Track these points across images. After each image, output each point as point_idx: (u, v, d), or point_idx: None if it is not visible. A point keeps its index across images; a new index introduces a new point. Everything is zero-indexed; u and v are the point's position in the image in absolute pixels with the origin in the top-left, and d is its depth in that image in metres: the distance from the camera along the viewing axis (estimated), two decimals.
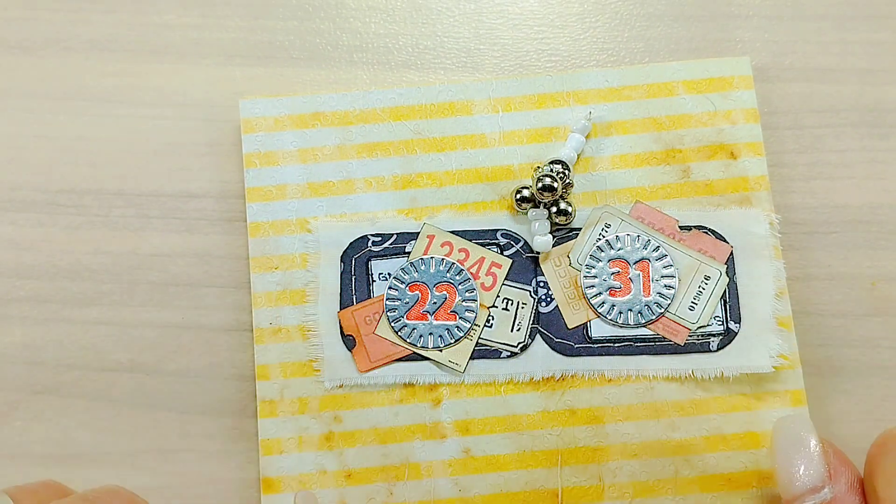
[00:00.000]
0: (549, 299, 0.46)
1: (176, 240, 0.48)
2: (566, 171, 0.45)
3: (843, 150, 0.48)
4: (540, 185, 0.44)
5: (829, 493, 0.38)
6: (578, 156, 0.46)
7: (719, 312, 0.45)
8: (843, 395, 0.46)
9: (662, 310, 0.45)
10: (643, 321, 0.45)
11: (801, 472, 0.39)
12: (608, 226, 0.46)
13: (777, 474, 0.40)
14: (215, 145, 0.49)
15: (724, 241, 0.46)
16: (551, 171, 0.45)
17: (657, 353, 0.45)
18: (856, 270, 0.47)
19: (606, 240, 0.46)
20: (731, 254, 0.46)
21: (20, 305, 0.48)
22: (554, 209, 0.45)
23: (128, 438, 0.46)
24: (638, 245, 0.45)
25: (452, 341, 0.45)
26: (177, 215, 0.48)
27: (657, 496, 0.44)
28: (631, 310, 0.45)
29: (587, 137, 0.47)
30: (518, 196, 0.45)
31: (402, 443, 0.45)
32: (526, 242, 0.46)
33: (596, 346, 0.45)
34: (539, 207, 0.45)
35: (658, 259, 0.45)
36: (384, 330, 0.45)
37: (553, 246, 0.46)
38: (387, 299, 0.46)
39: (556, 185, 0.44)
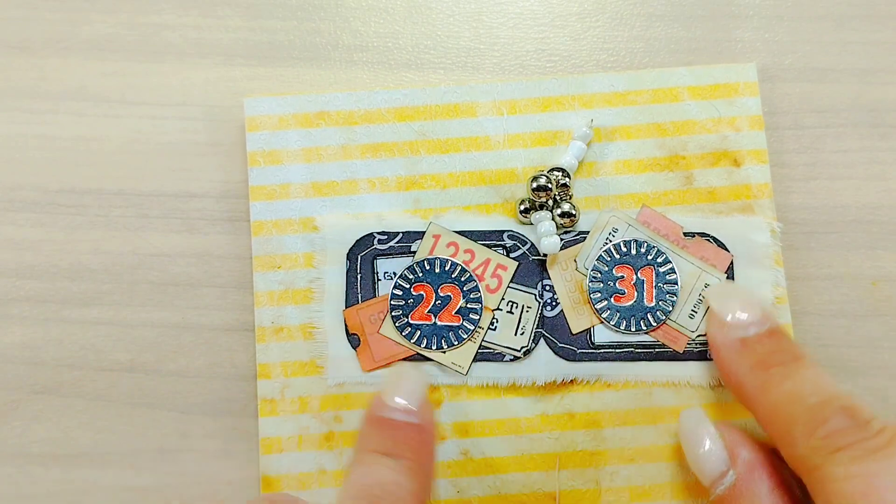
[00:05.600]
0: (554, 303, 0.46)
1: (176, 240, 0.48)
2: (566, 179, 0.45)
3: (843, 150, 0.48)
4: (535, 184, 0.45)
5: (733, 475, 0.40)
6: (581, 161, 0.46)
7: None
8: None
9: (664, 317, 0.45)
10: (645, 328, 0.45)
11: (705, 465, 0.41)
12: (615, 230, 0.46)
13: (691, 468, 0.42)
14: (215, 145, 0.49)
15: (725, 249, 0.46)
16: (545, 173, 0.45)
17: (656, 360, 0.45)
18: (856, 270, 0.47)
19: (613, 245, 0.46)
20: (732, 263, 0.46)
21: (20, 305, 0.47)
22: (558, 211, 0.45)
23: (128, 438, 0.46)
24: (643, 251, 0.45)
25: (456, 343, 0.45)
26: (177, 215, 0.48)
27: (653, 500, 0.45)
28: (633, 316, 0.45)
29: (589, 144, 0.47)
30: (521, 208, 0.46)
31: None
32: (533, 245, 0.46)
33: (598, 351, 0.45)
34: (541, 210, 0.45)
35: (662, 265, 0.45)
36: (388, 330, 0.45)
37: (560, 249, 0.46)
38: (391, 299, 0.46)
39: (549, 185, 0.44)
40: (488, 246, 0.46)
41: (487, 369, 0.45)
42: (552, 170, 0.46)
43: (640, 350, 0.45)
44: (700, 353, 0.45)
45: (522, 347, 0.45)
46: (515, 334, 0.45)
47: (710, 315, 0.43)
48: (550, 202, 0.45)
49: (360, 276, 0.46)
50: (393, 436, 0.40)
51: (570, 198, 0.46)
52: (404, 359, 0.45)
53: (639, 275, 0.45)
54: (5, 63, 0.50)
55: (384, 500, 0.36)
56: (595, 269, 0.46)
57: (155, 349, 0.47)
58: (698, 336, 0.45)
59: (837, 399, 0.36)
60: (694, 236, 0.46)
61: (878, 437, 0.34)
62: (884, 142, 0.48)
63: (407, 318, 0.45)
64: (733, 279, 0.45)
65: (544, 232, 0.45)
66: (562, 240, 0.46)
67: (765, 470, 0.40)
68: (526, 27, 0.50)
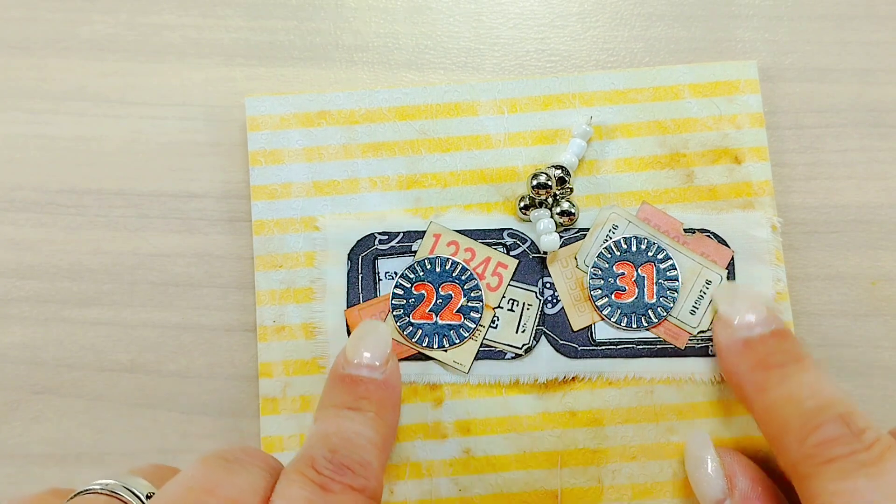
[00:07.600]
0: (555, 301, 0.46)
1: (176, 240, 0.48)
2: (566, 175, 0.45)
3: (843, 150, 0.48)
4: (535, 182, 0.45)
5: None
6: (582, 159, 0.46)
7: None
8: None
9: (665, 313, 0.45)
10: (646, 324, 0.45)
11: (705, 491, 0.41)
12: (615, 227, 0.46)
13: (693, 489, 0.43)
14: (215, 145, 0.49)
15: (726, 245, 0.46)
16: (546, 171, 0.45)
17: (658, 357, 0.45)
18: (856, 270, 0.47)
19: (613, 241, 0.46)
20: (732, 258, 0.46)
21: (20, 305, 0.47)
22: (557, 209, 0.45)
23: (128, 438, 0.46)
24: (643, 247, 0.46)
25: (457, 341, 0.45)
26: (177, 215, 0.48)
27: (655, 498, 0.45)
28: (634, 313, 0.45)
29: (590, 141, 0.47)
30: (521, 204, 0.46)
31: (403, 442, 0.45)
32: (533, 242, 0.46)
33: (599, 348, 0.45)
34: (540, 208, 0.45)
35: (662, 262, 0.45)
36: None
37: (560, 246, 0.46)
38: (392, 298, 0.46)
39: (549, 182, 0.44)
40: (489, 244, 0.46)
41: (489, 367, 0.45)
42: (552, 167, 0.46)
43: (641, 347, 0.45)
44: (701, 349, 0.45)
45: (524, 345, 0.45)
46: (516, 332, 0.45)
47: (717, 316, 0.43)
48: (550, 200, 0.45)
49: (362, 276, 0.46)
50: (355, 391, 0.40)
51: (571, 193, 0.46)
52: (406, 358, 0.45)
53: (639, 271, 0.45)
54: (5, 63, 0.50)
55: (343, 447, 0.36)
56: (595, 266, 0.46)
57: (155, 349, 0.47)
58: (699, 332, 0.45)
59: (834, 405, 0.36)
60: (694, 232, 0.46)
61: (869, 450, 0.34)
62: (884, 142, 0.48)
63: (408, 317, 0.45)
64: (734, 275, 0.45)
65: (543, 229, 0.45)
66: (561, 237, 0.46)
67: (759, 502, 0.40)
68: (526, 27, 0.50)
